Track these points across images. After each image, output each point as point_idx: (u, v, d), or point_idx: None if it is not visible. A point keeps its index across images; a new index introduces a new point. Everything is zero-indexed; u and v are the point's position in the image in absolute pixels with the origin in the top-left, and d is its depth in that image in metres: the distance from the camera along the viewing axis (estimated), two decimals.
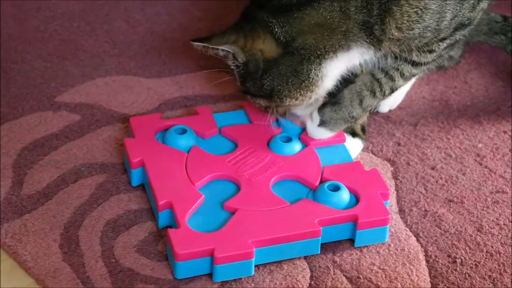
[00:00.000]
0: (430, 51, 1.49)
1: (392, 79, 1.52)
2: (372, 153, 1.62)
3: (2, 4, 1.89)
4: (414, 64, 1.51)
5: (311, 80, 1.45)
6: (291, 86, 1.45)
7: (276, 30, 1.43)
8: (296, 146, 1.54)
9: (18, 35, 1.83)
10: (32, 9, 1.90)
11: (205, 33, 1.85)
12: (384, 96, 1.54)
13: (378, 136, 1.64)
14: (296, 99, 1.47)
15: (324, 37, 1.42)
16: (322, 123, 1.53)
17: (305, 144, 1.56)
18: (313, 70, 1.44)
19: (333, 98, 1.53)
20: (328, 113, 1.52)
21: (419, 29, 1.42)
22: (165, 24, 1.88)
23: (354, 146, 1.59)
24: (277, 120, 1.60)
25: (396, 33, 1.42)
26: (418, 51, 1.48)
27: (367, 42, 1.43)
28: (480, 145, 1.64)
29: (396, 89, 1.55)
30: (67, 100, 1.69)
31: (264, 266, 1.41)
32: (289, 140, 1.55)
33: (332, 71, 1.46)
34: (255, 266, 1.40)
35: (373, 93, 1.53)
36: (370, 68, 1.53)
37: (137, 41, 1.84)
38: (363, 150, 1.62)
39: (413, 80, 1.71)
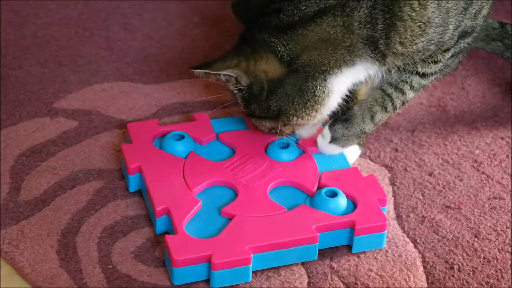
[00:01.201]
0: (435, 62, 1.49)
1: (402, 92, 1.53)
2: (370, 159, 1.62)
3: (0, 10, 1.89)
4: (421, 75, 1.51)
5: (317, 97, 1.44)
6: (297, 105, 1.44)
7: (279, 49, 1.42)
8: (294, 152, 1.54)
9: (16, 41, 1.83)
10: (30, 15, 1.90)
11: (203, 39, 1.86)
12: (396, 110, 1.54)
13: (375, 142, 1.64)
14: (303, 118, 1.46)
15: (328, 53, 1.41)
16: (333, 140, 1.52)
17: (302, 150, 1.56)
18: (318, 87, 1.43)
19: (343, 115, 1.52)
20: (339, 130, 1.51)
21: (422, 42, 1.42)
22: (163, 30, 1.88)
23: (352, 152, 1.59)
24: None
25: (400, 48, 1.42)
26: (423, 62, 1.48)
27: (371, 57, 1.43)
28: (477, 151, 1.64)
29: (407, 101, 1.55)
30: (64, 106, 1.69)
31: (262, 272, 1.41)
32: (286, 146, 1.55)
33: (338, 87, 1.45)
34: (253, 272, 1.40)
35: (384, 108, 1.53)
36: (376, 83, 1.53)
37: (135, 47, 1.84)
38: (360, 156, 1.62)
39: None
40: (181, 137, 1.55)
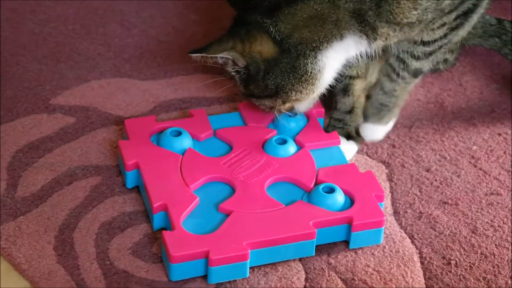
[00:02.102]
0: (439, 27, 1.49)
1: (403, 62, 1.54)
2: (367, 155, 1.62)
3: None
4: (425, 43, 1.51)
5: (310, 73, 1.46)
6: (293, 82, 1.47)
7: (271, 29, 1.44)
8: (291, 148, 1.54)
9: (13, 37, 1.83)
10: (27, 12, 1.90)
11: (200, 36, 1.85)
12: (404, 79, 1.57)
13: None
14: (301, 93, 1.48)
15: (317, 29, 1.43)
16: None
17: (300, 146, 1.56)
18: (309, 64, 1.46)
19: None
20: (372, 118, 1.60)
21: (417, 13, 1.43)
22: (160, 27, 1.88)
23: (348, 149, 1.59)
24: (272, 122, 1.60)
25: (393, 18, 1.43)
26: (423, 32, 1.49)
27: (359, 30, 1.44)
28: (474, 147, 1.64)
29: (414, 72, 1.56)
30: (62, 102, 1.69)
31: (259, 268, 1.41)
32: (284, 142, 1.55)
33: (330, 62, 1.47)
34: (250, 268, 1.40)
35: (388, 76, 1.56)
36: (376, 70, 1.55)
37: (132, 43, 1.84)
38: (358, 152, 1.62)
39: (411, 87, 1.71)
40: (179, 133, 1.55)
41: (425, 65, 1.56)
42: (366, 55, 1.50)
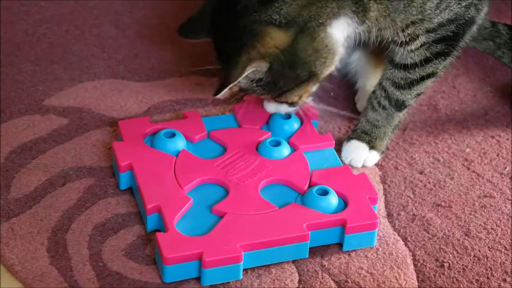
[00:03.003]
0: (416, 37, 1.49)
1: (384, 89, 1.56)
2: None
3: None
4: (403, 67, 1.52)
5: (328, 47, 1.45)
6: (320, 59, 1.44)
7: (275, 17, 1.41)
8: (285, 150, 1.54)
9: (7, 38, 1.83)
10: (21, 12, 1.90)
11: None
12: (384, 109, 1.58)
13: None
14: (328, 67, 1.47)
15: (322, 5, 1.42)
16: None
17: (293, 149, 1.56)
18: (325, 38, 1.44)
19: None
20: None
21: None
22: (154, 28, 1.88)
23: (372, 158, 1.59)
24: (266, 124, 1.60)
25: None
26: (403, 32, 1.49)
27: (352, 11, 1.44)
28: (468, 150, 1.64)
29: (394, 100, 1.57)
30: (55, 103, 1.69)
31: (253, 270, 1.41)
32: (278, 144, 1.55)
33: (338, 36, 1.46)
34: (243, 270, 1.40)
35: (371, 106, 1.59)
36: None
37: (126, 44, 1.83)
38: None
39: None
40: (173, 135, 1.55)
41: (408, 97, 1.57)
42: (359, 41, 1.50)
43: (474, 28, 1.58)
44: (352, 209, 1.44)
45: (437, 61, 1.53)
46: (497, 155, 1.64)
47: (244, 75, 1.42)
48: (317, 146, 1.57)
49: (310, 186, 1.49)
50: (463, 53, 1.82)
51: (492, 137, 1.67)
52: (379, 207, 1.52)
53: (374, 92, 1.59)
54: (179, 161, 1.51)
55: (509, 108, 1.73)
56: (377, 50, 1.60)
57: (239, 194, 1.46)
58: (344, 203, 1.46)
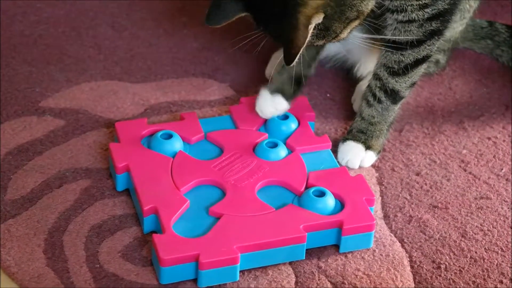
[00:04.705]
0: (411, 20, 1.49)
1: (379, 78, 1.56)
2: None
3: None
4: (396, 48, 1.52)
5: None
6: None
7: None
8: (282, 152, 1.54)
9: (3, 39, 1.83)
10: (17, 13, 1.89)
11: (191, 39, 1.85)
12: (380, 103, 1.57)
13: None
14: (372, 1, 1.47)
15: None
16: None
17: (290, 150, 1.56)
18: None
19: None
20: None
21: None
22: (151, 29, 1.88)
23: (369, 159, 1.59)
24: (263, 125, 1.60)
25: None
26: (398, 12, 1.50)
27: None
28: (464, 151, 1.65)
29: (388, 90, 1.56)
30: (51, 105, 1.69)
31: (249, 272, 1.41)
32: (274, 145, 1.55)
33: None
34: (240, 271, 1.40)
35: (366, 101, 1.58)
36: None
37: (123, 46, 1.83)
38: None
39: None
40: (169, 136, 1.55)
41: (403, 86, 1.57)
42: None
43: (467, 5, 1.59)
44: (348, 210, 1.44)
45: (430, 41, 1.53)
46: (494, 156, 1.64)
47: (310, 33, 1.42)
48: (314, 148, 1.57)
49: (307, 187, 1.49)
50: (460, 54, 1.83)
51: (489, 138, 1.67)
52: (376, 209, 1.52)
53: (368, 85, 1.59)
54: (176, 162, 1.51)
55: (505, 110, 1.73)
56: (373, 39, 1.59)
57: (236, 195, 1.46)
58: (341, 204, 1.46)
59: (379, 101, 1.58)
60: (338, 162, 1.57)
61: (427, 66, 1.59)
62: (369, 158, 1.59)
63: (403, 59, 1.54)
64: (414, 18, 1.51)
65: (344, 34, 1.50)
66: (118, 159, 1.50)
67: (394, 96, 1.58)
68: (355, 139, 1.59)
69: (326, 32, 1.47)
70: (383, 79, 1.56)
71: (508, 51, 1.79)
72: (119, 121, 1.61)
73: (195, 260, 1.36)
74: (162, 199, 1.44)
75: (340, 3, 1.45)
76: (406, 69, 1.55)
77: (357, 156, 1.59)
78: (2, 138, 1.61)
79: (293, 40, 1.41)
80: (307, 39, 1.42)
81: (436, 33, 1.53)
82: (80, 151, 1.59)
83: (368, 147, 1.59)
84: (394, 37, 1.53)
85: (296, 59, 1.42)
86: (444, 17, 1.52)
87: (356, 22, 1.50)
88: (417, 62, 1.55)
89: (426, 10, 1.50)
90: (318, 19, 1.42)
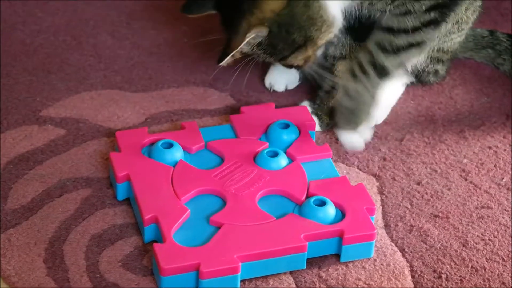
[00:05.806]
0: (408, 12, 1.48)
1: (369, 52, 1.53)
2: (358, 168, 1.62)
3: None
4: (394, 31, 1.50)
5: (321, 16, 1.48)
6: (314, 26, 1.47)
7: None
8: (283, 161, 1.54)
9: (4, 48, 1.83)
10: (17, 23, 1.90)
11: (191, 48, 1.85)
12: (368, 77, 1.54)
13: (364, 151, 1.64)
14: (325, 34, 1.49)
15: None
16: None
17: (291, 159, 1.56)
18: (318, 8, 1.47)
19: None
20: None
21: None
22: (151, 39, 1.88)
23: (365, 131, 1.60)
24: (264, 134, 1.60)
25: None
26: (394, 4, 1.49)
27: None
28: (465, 161, 1.64)
29: (379, 66, 1.53)
30: (52, 114, 1.69)
31: (250, 281, 1.41)
32: (275, 154, 1.55)
33: (333, 8, 1.49)
34: (241, 281, 1.40)
35: (352, 74, 1.55)
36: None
37: (123, 55, 1.83)
38: (348, 165, 1.62)
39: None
40: (170, 146, 1.55)
41: (392, 64, 1.53)
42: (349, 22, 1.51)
43: (464, 16, 1.60)
44: (349, 220, 1.44)
45: (426, 29, 1.52)
46: (495, 165, 1.64)
47: (245, 41, 1.45)
48: (315, 157, 1.57)
49: (307, 196, 1.49)
50: (460, 64, 1.83)
51: (489, 147, 1.67)
52: (377, 218, 1.52)
53: (356, 58, 1.54)
54: (177, 171, 1.51)
55: (506, 119, 1.73)
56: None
57: (236, 204, 1.46)
58: (342, 213, 1.46)
59: (366, 74, 1.54)
60: (344, 145, 1.58)
61: (427, 69, 1.58)
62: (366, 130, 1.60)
63: (396, 41, 1.52)
64: (411, 10, 1.49)
65: (298, 61, 1.53)
66: (119, 168, 1.50)
67: (381, 72, 1.54)
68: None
69: (273, 49, 1.51)
70: (374, 53, 1.53)
71: (509, 60, 1.79)
72: (119, 130, 1.61)
73: (195, 269, 1.36)
74: (163, 208, 1.44)
75: (287, 22, 1.47)
76: (398, 50, 1.52)
77: (355, 136, 1.60)
78: (3, 147, 1.61)
79: (231, 41, 1.47)
80: (243, 46, 1.46)
81: (434, 23, 1.51)
82: (80, 160, 1.59)
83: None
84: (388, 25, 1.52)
85: (225, 60, 1.48)
86: (444, 8, 1.51)
87: (309, 51, 1.50)
88: (410, 46, 1.52)
89: (423, 1, 1.48)
90: (259, 31, 1.46)
